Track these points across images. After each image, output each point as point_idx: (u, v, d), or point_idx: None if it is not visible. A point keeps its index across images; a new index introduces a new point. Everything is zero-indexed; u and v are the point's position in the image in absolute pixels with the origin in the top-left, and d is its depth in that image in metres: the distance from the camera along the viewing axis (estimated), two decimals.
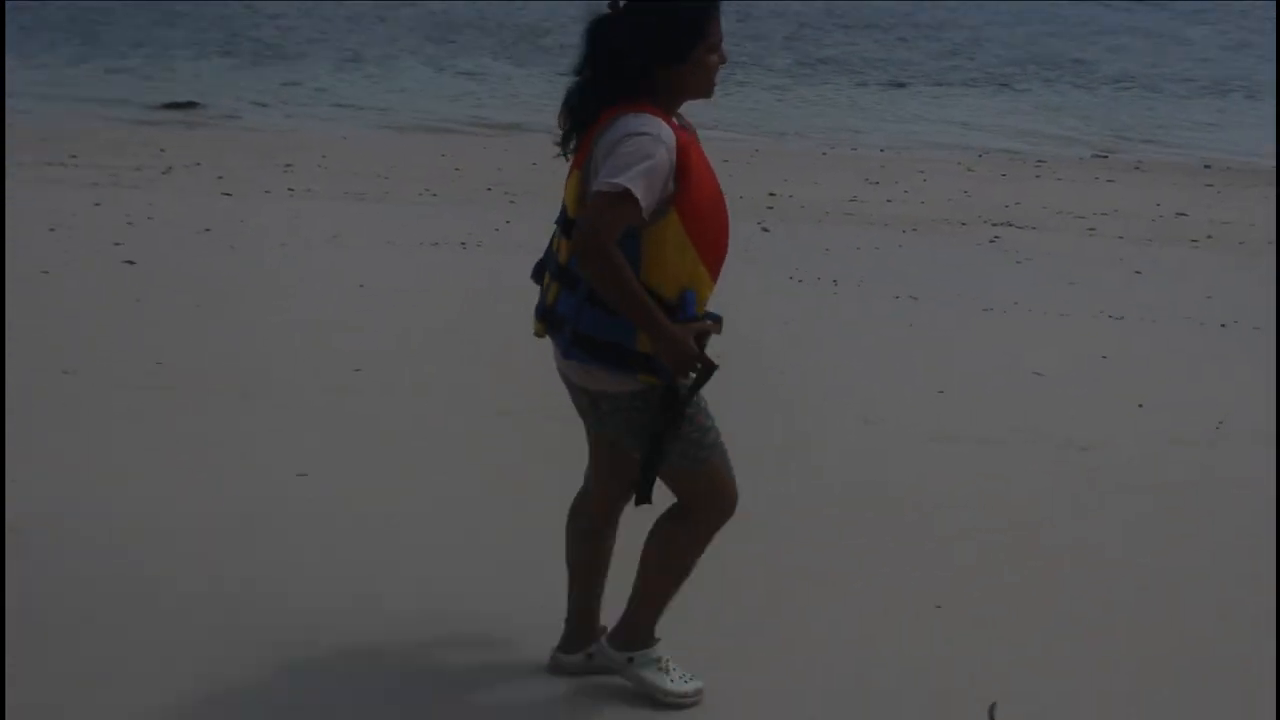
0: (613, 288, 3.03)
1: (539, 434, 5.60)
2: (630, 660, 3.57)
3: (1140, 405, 6.35)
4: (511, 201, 11.09)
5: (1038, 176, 13.42)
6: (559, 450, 5.35)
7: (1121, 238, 10.48)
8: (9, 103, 17.21)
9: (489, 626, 3.95)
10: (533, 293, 3.45)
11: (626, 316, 3.08)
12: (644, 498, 3.32)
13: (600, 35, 3.16)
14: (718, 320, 3.24)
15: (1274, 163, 15.11)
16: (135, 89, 18.06)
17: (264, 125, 15.94)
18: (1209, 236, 10.64)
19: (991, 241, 10.09)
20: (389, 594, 4.17)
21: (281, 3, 25.60)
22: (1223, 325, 7.93)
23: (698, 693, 3.56)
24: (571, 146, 3.25)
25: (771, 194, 11.63)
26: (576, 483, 3.72)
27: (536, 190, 11.59)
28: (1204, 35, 25.31)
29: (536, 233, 9.65)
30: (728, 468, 3.41)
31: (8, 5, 24.57)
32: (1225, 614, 4.27)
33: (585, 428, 3.54)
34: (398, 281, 8.18)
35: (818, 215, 10.79)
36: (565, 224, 3.25)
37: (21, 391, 5.88)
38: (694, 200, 3.10)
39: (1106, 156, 15.43)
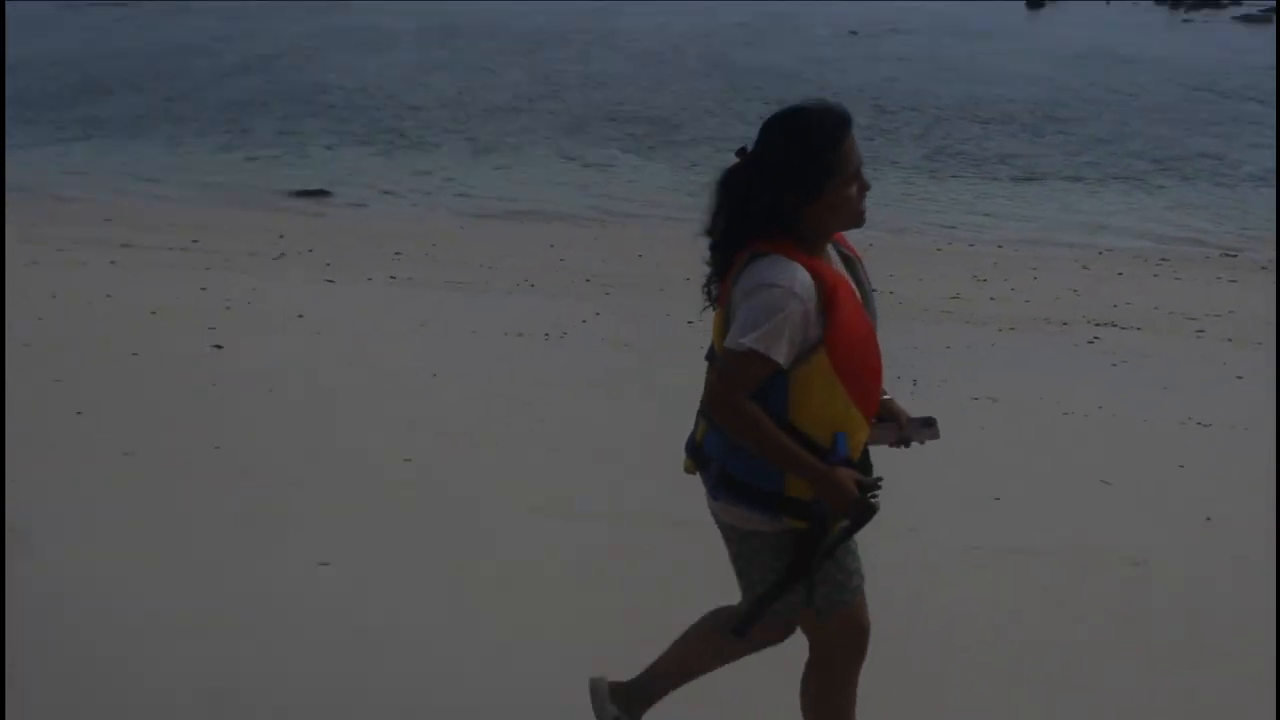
0: (750, 441, 3.05)
1: (568, 535, 5.56)
2: None
3: (1208, 519, 6.06)
4: (606, 294, 11.13)
5: (1155, 275, 13.03)
6: (581, 555, 5.33)
7: (1230, 340, 10.10)
8: (147, 188, 17.98)
9: None
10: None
11: (781, 468, 3.08)
12: (742, 630, 3.30)
13: (731, 183, 3.13)
14: (877, 481, 3.16)
15: None
16: (271, 177, 18.65)
17: (387, 213, 16.31)
18: None
19: (1090, 342, 9.80)
20: (379, 692, 4.13)
21: (424, 94, 26.27)
22: None
23: None
24: (714, 295, 3.24)
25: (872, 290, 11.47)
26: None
27: (634, 283, 11.66)
28: None
29: (621, 325, 9.80)
30: (864, 610, 3.38)
31: (163, 88, 25.71)
32: None
33: None
34: (471, 371, 8.23)
35: (914, 312, 10.60)
36: (712, 361, 3.24)
37: (79, 469, 6.05)
38: (841, 341, 3.05)
39: (1235, 255, 14.93)
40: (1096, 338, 9.96)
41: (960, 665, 4.51)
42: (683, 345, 9.09)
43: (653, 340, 9.25)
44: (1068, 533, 5.82)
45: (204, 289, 10.55)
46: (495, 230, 14.74)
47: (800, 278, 2.99)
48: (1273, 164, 21.48)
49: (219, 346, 8.55)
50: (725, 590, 3.50)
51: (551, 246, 13.46)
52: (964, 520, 5.91)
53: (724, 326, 3.12)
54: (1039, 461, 6.86)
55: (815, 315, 3.00)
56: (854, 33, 40.15)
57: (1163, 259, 14.33)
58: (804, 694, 3.46)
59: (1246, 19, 50.48)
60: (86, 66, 29.92)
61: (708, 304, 3.27)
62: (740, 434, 3.04)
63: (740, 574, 3.30)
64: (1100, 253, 14.63)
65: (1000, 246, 14.91)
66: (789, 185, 3.03)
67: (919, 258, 13.51)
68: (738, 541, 3.24)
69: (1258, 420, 7.83)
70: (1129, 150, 22.33)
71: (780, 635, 3.48)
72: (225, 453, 6.40)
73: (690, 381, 7.83)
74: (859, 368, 3.10)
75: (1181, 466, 6.86)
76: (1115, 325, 10.47)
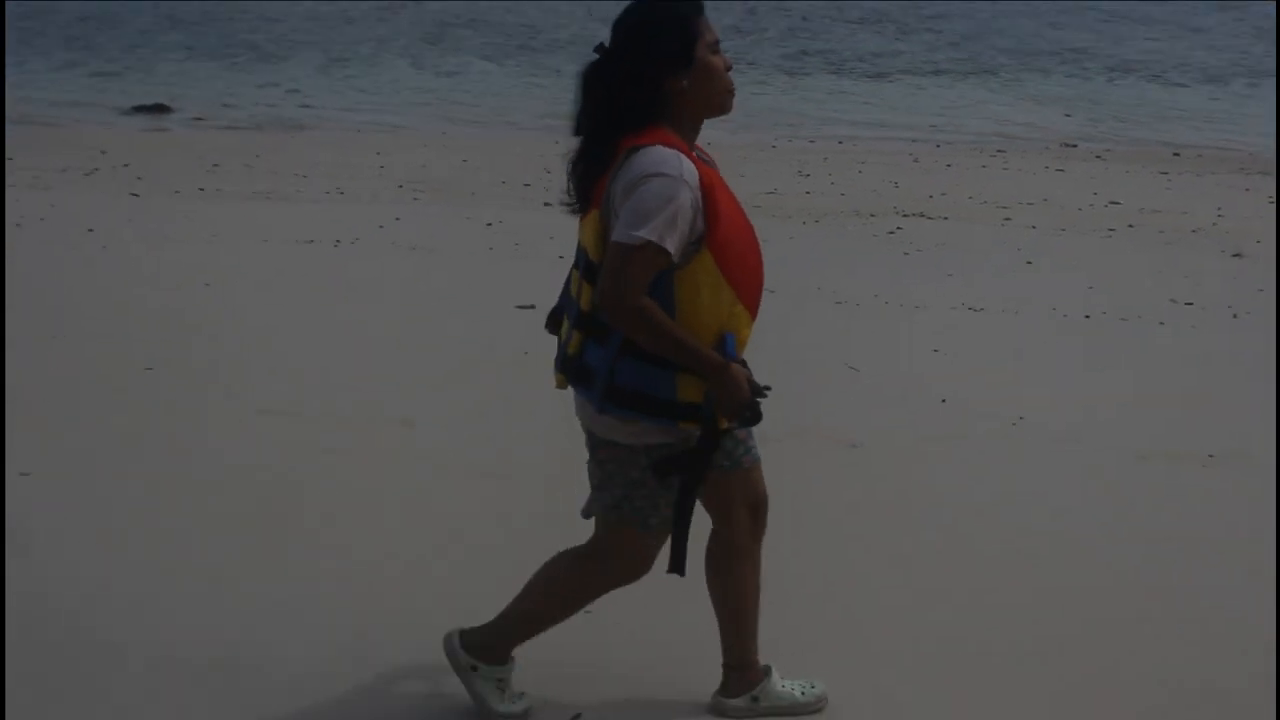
0: (656, 342, 2.89)
1: (286, 436, 5.46)
2: (475, 669, 3.38)
3: (944, 400, 6.05)
4: (415, 199, 10.94)
5: (984, 167, 13.06)
6: (296, 457, 5.19)
7: (1034, 227, 10.13)
8: None
9: None
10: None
11: (679, 364, 2.92)
12: (677, 567, 3.14)
13: (595, 77, 2.98)
14: (765, 388, 3.04)
15: (1245, 150, 14.68)
16: (111, 94, 18.13)
17: (220, 126, 15.91)
18: (1130, 226, 10.26)
19: (891, 233, 9.77)
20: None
21: (283, 4, 25.65)
22: (1086, 317, 7.59)
23: (525, 713, 3.41)
24: (577, 195, 3.06)
25: None
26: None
27: (446, 189, 11.47)
28: (1219, 23, 24.64)
29: (416, 230, 9.60)
30: (661, 542, 3.22)
31: (14, 7, 24.89)
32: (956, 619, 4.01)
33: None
34: (243, 277, 8.03)
35: None
36: (586, 267, 3.03)
37: None
38: (725, 237, 2.90)
39: (1076, 146, 15.00)
40: (899, 228, 9.95)
41: None
42: (471, 248, 8.98)
43: (442, 243, 9.09)
44: (793, 418, 5.76)
45: None
46: (323, 140, 14.42)
47: (687, 165, 2.85)
48: (1134, 56, 21.65)
49: None
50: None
51: (377, 154, 13.21)
52: None
53: (602, 228, 2.95)
54: (792, 350, 6.81)
55: (700, 208, 2.85)
56: None
57: (999, 150, 14.38)
58: (554, 562, 3.35)
59: None
60: None
61: (573, 208, 3.09)
62: (642, 333, 2.87)
63: (603, 482, 3.15)
64: (938, 145, 14.66)
65: (840, 142, 14.87)
66: (657, 58, 2.91)
67: (751, 154, 13.42)
68: (605, 451, 3.09)
69: (1028, 302, 7.85)
70: (993, 46, 22.38)
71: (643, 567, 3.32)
72: None
73: (461, 282, 7.76)
74: (744, 262, 2.98)
75: (935, 350, 6.85)
76: (924, 216, 10.46)
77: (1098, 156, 14.14)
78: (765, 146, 14.06)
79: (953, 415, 5.90)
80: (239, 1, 25.81)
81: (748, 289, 3.01)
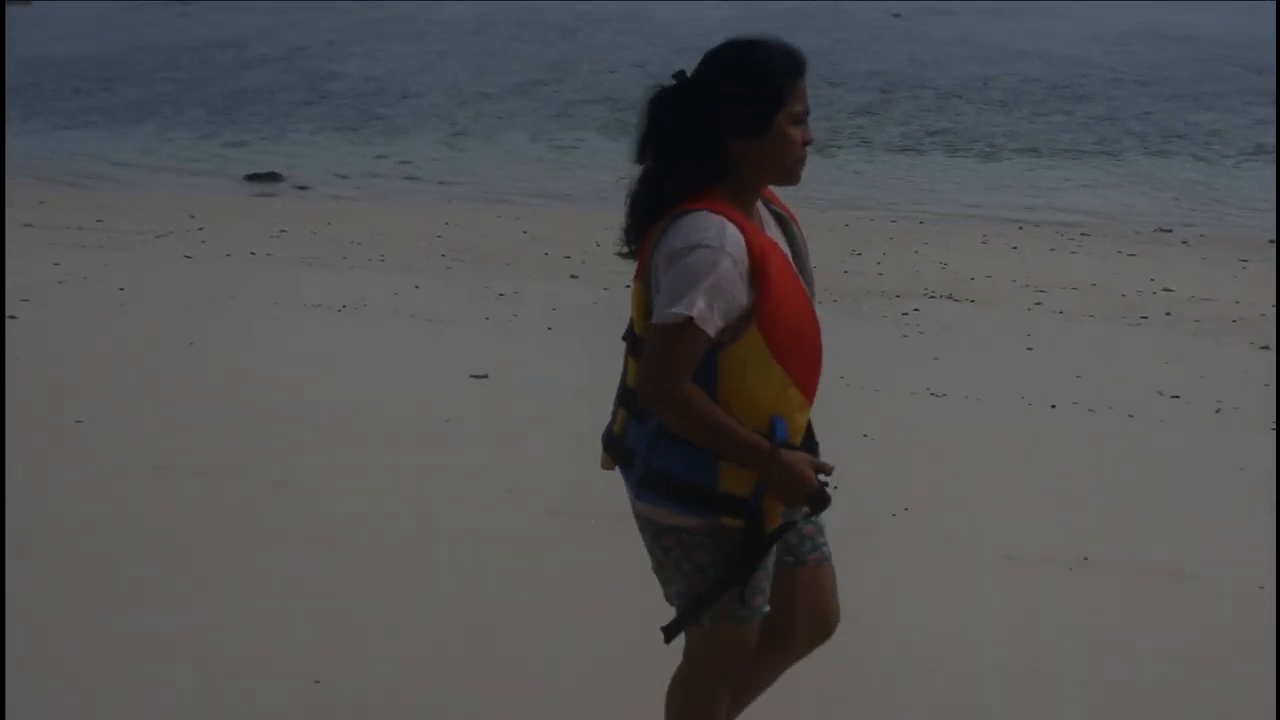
0: (698, 435, 2.70)
1: (200, 494, 5.58)
2: None
3: (834, 487, 5.85)
4: (449, 268, 11.10)
5: (1051, 249, 12.67)
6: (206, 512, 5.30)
7: (1061, 313, 9.78)
8: (112, 172, 18.35)
9: None
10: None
11: (724, 458, 2.72)
12: (670, 634, 2.96)
13: (662, 112, 2.75)
14: (829, 466, 2.84)
15: None
16: (235, 161, 18.87)
17: (323, 195, 16.39)
18: (1167, 314, 9.82)
19: (904, 314, 9.55)
20: None
21: (425, 82, 26.43)
22: (1052, 407, 7.28)
23: None
24: (633, 249, 2.86)
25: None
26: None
27: (492, 258, 11.62)
28: None
29: (430, 299, 9.76)
30: (756, 635, 3.03)
31: (172, 83, 26.20)
32: None
33: None
34: (230, 338, 8.25)
35: None
36: (633, 341, 2.86)
37: None
38: (775, 313, 2.69)
39: (1170, 230, 14.44)
40: (916, 309, 9.72)
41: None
42: (468, 316, 9.08)
43: (443, 311, 9.20)
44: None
45: (57, 264, 10.71)
46: (399, 210, 14.75)
47: (731, 233, 2.63)
48: (1266, 139, 20.81)
49: (13, 317, 8.64)
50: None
51: (446, 224, 13.46)
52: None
53: (645, 300, 2.78)
54: None
55: (746, 280, 2.65)
56: (897, 15, 39.57)
57: (1083, 233, 13.92)
58: (669, 706, 3.15)
59: None
60: (119, 61, 30.49)
61: (625, 252, 2.89)
62: (683, 422, 2.68)
63: (669, 567, 2.93)
64: (1020, 227, 14.28)
65: (921, 222, 14.60)
66: (732, 119, 2.71)
67: (818, 234, 13.17)
68: (668, 537, 2.86)
69: (999, 389, 7.58)
70: (1123, 128, 21.74)
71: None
72: None
73: (431, 349, 7.82)
74: (796, 341, 2.75)
75: (865, 435, 6.66)
76: (951, 298, 10.20)
77: (1184, 242, 13.60)
78: (837, 226, 13.88)
79: (837, 502, 5.70)
80: (382, 80, 26.69)
81: (802, 370, 2.78)
